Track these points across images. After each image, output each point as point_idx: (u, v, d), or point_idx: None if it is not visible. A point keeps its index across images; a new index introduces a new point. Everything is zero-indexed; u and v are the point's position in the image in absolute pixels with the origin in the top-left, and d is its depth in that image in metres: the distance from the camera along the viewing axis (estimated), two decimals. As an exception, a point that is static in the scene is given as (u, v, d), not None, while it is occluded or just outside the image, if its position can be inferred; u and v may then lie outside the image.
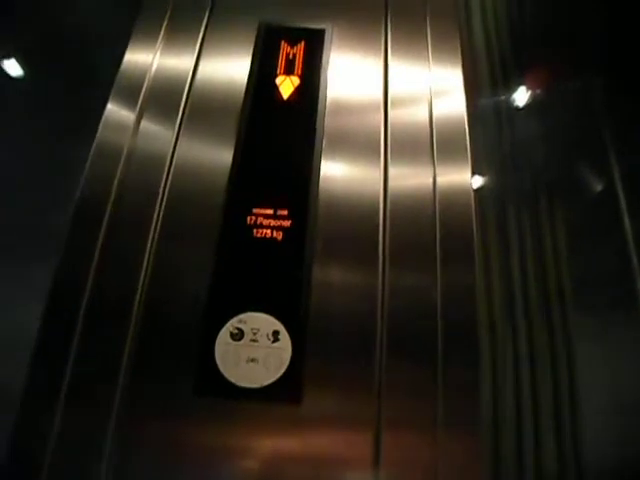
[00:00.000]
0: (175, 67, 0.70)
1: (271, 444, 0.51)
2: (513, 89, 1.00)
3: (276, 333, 0.53)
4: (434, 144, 0.66)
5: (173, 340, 0.54)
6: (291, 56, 0.69)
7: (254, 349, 0.53)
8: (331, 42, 0.71)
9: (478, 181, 0.90)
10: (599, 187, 0.95)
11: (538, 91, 1.00)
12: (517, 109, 1.00)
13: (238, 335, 0.53)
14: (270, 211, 0.59)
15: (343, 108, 0.68)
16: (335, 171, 0.64)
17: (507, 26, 1.00)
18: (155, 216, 0.60)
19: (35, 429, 0.51)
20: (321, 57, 0.69)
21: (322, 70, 0.69)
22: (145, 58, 0.71)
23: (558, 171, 0.94)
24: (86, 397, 0.53)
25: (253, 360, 0.52)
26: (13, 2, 1.04)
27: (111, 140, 0.65)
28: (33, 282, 0.64)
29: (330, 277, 0.58)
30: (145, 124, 0.67)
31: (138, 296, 0.56)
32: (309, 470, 0.50)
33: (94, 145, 0.65)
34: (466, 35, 0.83)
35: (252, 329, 0.54)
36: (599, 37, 1.01)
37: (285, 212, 0.59)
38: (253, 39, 0.72)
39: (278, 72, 0.68)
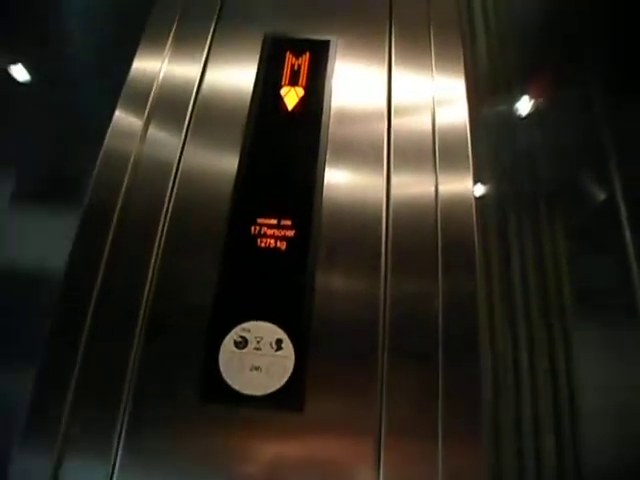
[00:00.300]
0: (182, 75, 0.71)
1: (274, 451, 0.52)
2: (515, 98, 1.00)
3: (279, 341, 0.54)
4: (437, 152, 0.67)
5: (178, 348, 0.55)
6: (296, 67, 0.70)
7: (258, 357, 0.54)
8: (336, 53, 0.72)
9: (480, 189, 0.90)
10: (599, 196, 0.96)
11: (540, 100, 1.01)
12: (519, 118, 1.00)
13: (242, 343, 0.54)
14: (274, 221, 0.60)
15: (347, 117, 0.69)
16: (339, 179, 0.64)
17: (509, 34, 1.00)
18: (161, 223, 0.61)
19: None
20: (326, 68, 0.70)
21: (327, 81, 0.69)
22: (153, 66, 0.72)
23: (559, 180, 0.94)
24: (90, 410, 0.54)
25: (257, 368, 0.53)
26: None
27: (119, 147, 0.66)
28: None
29: (333, 286, 0.58)
30: (152, 131, 0.68)
31: (144, 303, 0.57)
32: (311, 477, 0.51)
33: (102, 152, 0.66)
34: (469, 44, 0.83)
35: (256, 337, 0.54)
36: (600, 45, 1.01)
37: (289, 222, 0.60)
38: (259, 49, 0.73)
39: (283, 83, 0.69)
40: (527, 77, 1.01)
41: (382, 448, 0.51)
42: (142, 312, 0.57)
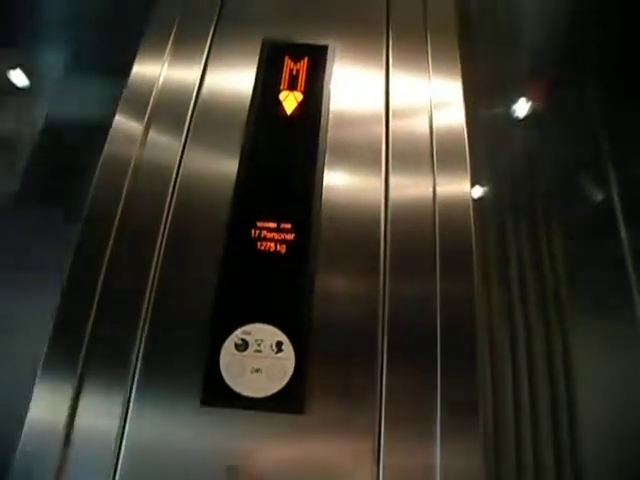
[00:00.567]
0: (182, 79, 0.72)
1: (274, 453, 0.52)
2: (512, 100, 1.01)
3: (279, 344, 0.55)
4: (434, 155, 0.67)
5: (179, 350, 0.56)
6: (294, 72, 0.71)
7: (258, 359, 0.54)
8: (334, 58, 0.73)
9: (477, 191, 0.91)
10: (596, 198, 0.96)
11: (536, 101, 1.01)
12: (516, 120, 1.01)
13: (242, 346, 0.55)
14: (274, 224, 0.61)
15: (345, 121, 0.69)
16: (338, 182, 0.65)
17: (506, 37, 1.01)
18: (161, 227, 0.62)
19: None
20: (324, 73, 0.71)
21: (325, 86, 0.70)
22: (153, 70, 0.72)
23: (556, 182, 0.95)
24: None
25: (257, 370, 0.54)
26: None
27: (119, 151, 0.67)
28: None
29: (332, 288, 0.59)
30: (152, 136, 0.68)
31: (145, 306, 0.58)
32: (311, 478, 0.51)
33: (102, 156, 0.66)
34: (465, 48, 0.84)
35: (256, 340, 0.55)
36: (597, 47, 1.02)
37: (288, 226, 0.60)
38: (257, 53, 0.73)
39: (282, 88, 0.70)
40: (524, 79, 1.02)
41: (382, 449, 0.52)
42: (143, 315, 0.57)
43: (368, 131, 0.69)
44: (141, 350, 0.56)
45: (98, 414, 0.53)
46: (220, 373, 0.53)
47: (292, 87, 0.70)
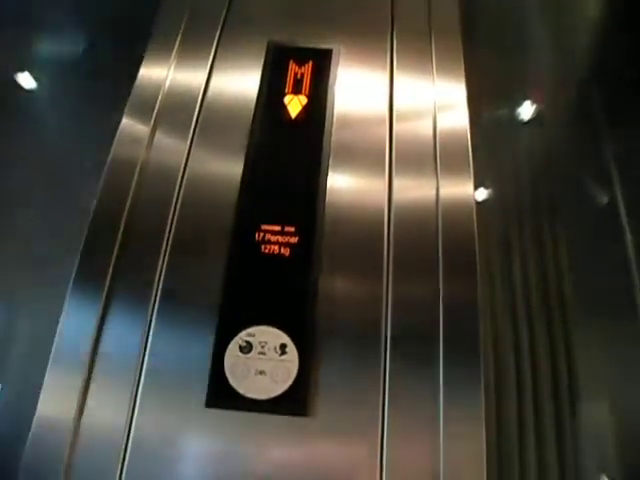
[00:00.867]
0: (188, 82, 0.72)
1: (277, 454, 0.53)
2: (516, 103, 1.01)
3: (283, 346, 0.55)
4: (438, 157, 0.67)
5: (184, 352, 0.57)
6: (299, 76, 0.71)
7: (262, 362, 0.55)
8: (338, 61, 0.73)
9: (480, 194, 0.91)
10: (600, 201, 0.96)
11: (540, 105, 1.01)
12: (520, 123, 1.01)
13: (247, 348, 0.55)
14: (278, 227, 0.61)
15: (349, 123, 0.69)
16: (341, 185, 0.65)
17: (510, 39, 1.01)
18: (167, 229, 0.63)
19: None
20: (328, 77, 0.71)
21: (329, 89, 0.70)
22: (159, 73, 0.73)
23: (560, 184, 0.94)
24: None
25: (261, 372, 0.54)
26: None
27: (126, 154, 0.67)
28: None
29: (336, 291, 0.59)
30: (159, 138, 0.69)
31: (151, 307, 0.59)
32: (314, 480, 0.52)
33: (109, 158, 0.67)
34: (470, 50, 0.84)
35: (260, 342, 0.55)
36: (600, 50, 1.02)
37: (292, 229, 0.61)
38: (262, 56, 0.74)
39: (286, 91, 0.70)
40: (528, 83, 1.02)
41: (385, 452, 0.52)
42: (149, 316, 0.58)
43: (372, 134, 0.69)
44: (146, 353, 0.56)
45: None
46: (225, 375, 0.54)
47: (297, 91, 0.70)
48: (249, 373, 0.54)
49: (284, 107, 0.69)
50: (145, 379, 0.55)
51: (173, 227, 0.63)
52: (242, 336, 0.56)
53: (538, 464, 0.78)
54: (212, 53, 0.75)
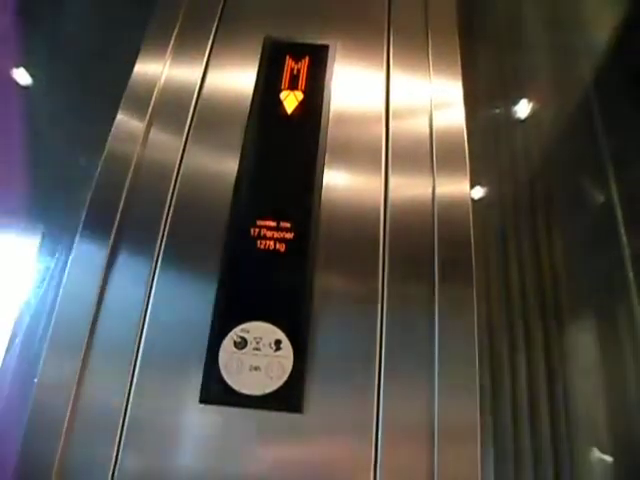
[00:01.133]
0: (184, 78, 0.72)
1: (272, 450, 0.53)
2: (513, 102, 1.01)
3: (278, 342, 0.55)
4: (434, 155, 0.67)
5: (178, 346, 0.56)
6: (295, 71, 0.71)
7: (257, 357, 0.54)
8: (335, 57, 0.73)
9: (477, 192, 0.91)
10: (597, 201, 0.97)
11: (537, 103, 1.02)
12: (517, 122, 1.01)
13: (241, 344, 0.55)
14: (273, 223, 0.61)
15: (346, 120, 0.69)
16: (337, 182, 0.65)
17: (508, 41, 1.01)
18: (162, 225, 0.62)
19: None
20: (325, 73, 0.71)
21: (325, 86, 0.70)
22: (155, 69, 0.73)
23: (556, 184, 0.95)
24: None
25: (256, 368, 0.54)
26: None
27: (120, 150, 0.67)
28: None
29: (331, 287, 0.59)
30: (154, 134, 0.68)
31: (144, 303, 0.58)
32: (309, 477, 0.51)
33: (104, 154, 0.67)
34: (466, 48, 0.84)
35: (255, 338, 0.55)
36: (599, 51, 1.02)
37: (288, 224, 0.61)
38: (259, 52, 0.73)
39: (282, 87, 0.70)
40: (525, 80, 1.02)
41: (379, 449, 0.52)
42: (143, 313, 0.58)
43: (368, 131, 0.69)
44: (141, 346, 0.56)
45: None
46: (219, 371, 0.54)
47: (293, 86, 0.70)
48: (244, 369, 0.54)
49: (280, 103, 0.69)
50: (140, 369, 0.55)
51: (168, 223, 0.63)
52: (237, 332, 0.56)
53: (533, 459, 0.78)
54: (208, 48, 0.74)
